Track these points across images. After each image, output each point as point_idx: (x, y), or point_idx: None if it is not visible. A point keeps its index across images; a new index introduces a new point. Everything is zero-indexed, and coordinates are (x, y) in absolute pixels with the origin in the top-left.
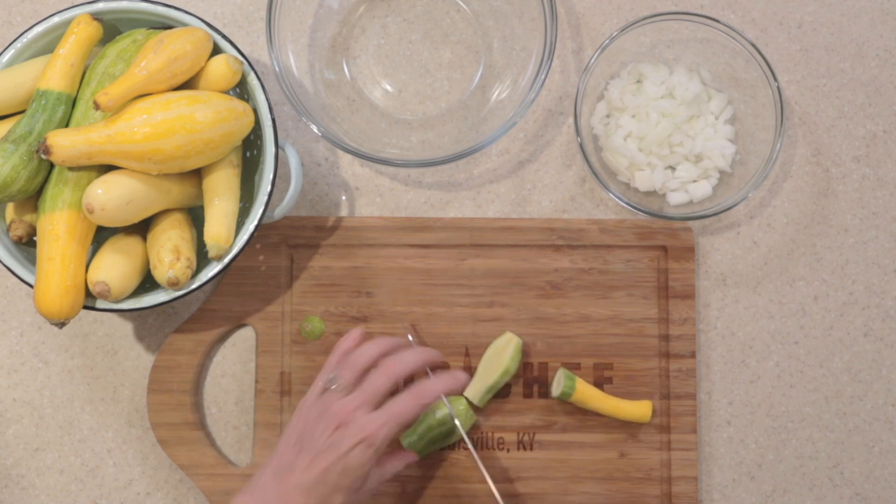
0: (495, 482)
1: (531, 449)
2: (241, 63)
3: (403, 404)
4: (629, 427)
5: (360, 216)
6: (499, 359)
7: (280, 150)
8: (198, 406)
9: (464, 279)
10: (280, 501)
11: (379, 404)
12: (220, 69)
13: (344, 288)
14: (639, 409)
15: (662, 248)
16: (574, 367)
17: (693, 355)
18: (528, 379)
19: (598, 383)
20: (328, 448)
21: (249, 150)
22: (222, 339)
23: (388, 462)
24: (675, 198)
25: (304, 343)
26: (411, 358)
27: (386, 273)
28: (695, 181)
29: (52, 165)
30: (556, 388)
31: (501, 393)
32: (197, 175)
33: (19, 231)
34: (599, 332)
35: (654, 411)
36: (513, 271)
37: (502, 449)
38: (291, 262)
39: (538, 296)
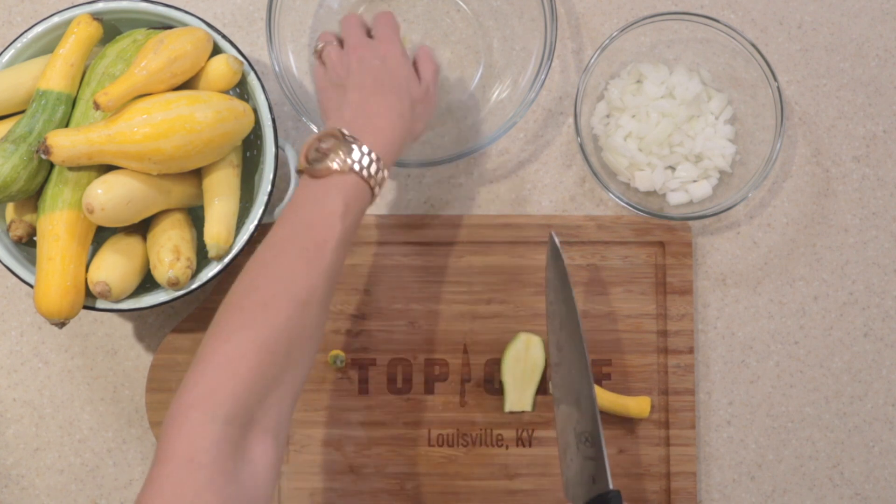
0: (495, 479)
1: (530, 445)
2: (241, 63)
3: (384, 19)
4: (628, 423)
5: None
6: (527, 362)
7: (280, 150)
8: None
9: (461, 276)
10: (357, 122)
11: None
12: (220, 69)
13: (342, 286)
14: (637, 405)
15: (660, 243)
16: None
17: (691, 351)
18: None
19: (597, 379)
20: (364, 66)
21: (249, 150)
22: None
23: (420, 65)
24: (675, 198)
25: None
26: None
27: (384, 270)
28: (695, 181)
29: (52, 165)
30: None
31: (500, 390)
32: (197, 175)
33: (19, 231)
34: (597, 328)
35: (652, 407)
36: (510, 268)
37: (501, 445)
38: None
39: (536, 293)
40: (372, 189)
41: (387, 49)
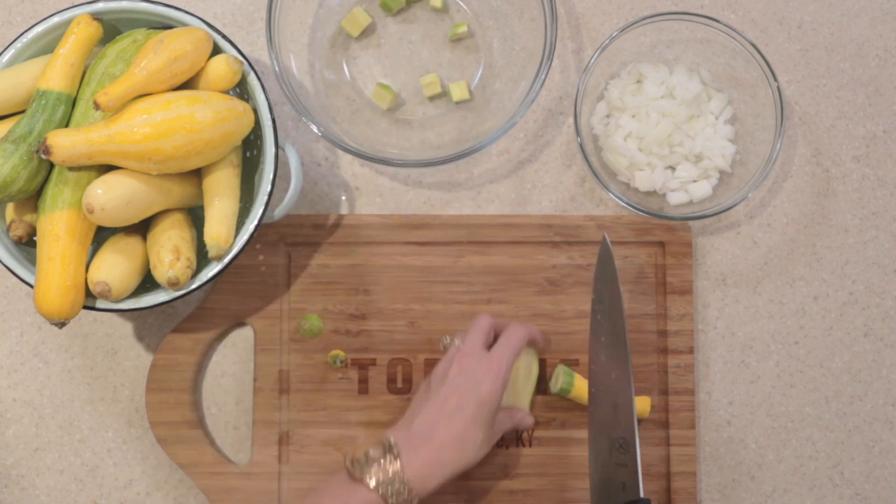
0: (495, 479)
1: (530, 445)
2: (241, 63)
3: (513, 334)
4: None
5: (358, 214)
6: (520, 369)
7: (280, 150)
8: (197, 405)
9: (462, 276)
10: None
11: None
12: (220, 69)
13: (342, 286)
14: (637, 405)
15: (660, 243)
16: (573, 364)
17: (691, 351)
18: None
19: None
20: (458, 381)
21: (249, 150)
22: (221, 337)
23: (509, 412)
24: (675, 198)
25: (302, 341)
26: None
27: (384, 270)
28: (695, 181)
29: (52, 165)
30: (555, 385)
31: None
32: (197, 175)
33: (19, 231)
34: None
35: (652, 407)
36: (510, 268)
37: (501, 445)
38: (289, 260)
39: (536, 292)
40: None
41: (489, 371)
